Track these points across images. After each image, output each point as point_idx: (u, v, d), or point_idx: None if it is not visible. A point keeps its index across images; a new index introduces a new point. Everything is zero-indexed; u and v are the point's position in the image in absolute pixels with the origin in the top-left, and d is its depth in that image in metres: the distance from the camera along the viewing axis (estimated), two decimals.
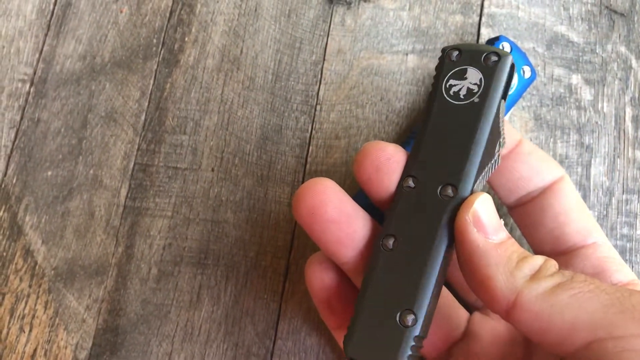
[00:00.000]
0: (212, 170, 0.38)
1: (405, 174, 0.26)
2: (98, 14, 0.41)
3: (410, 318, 0.24)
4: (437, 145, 0.26)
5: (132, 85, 0.39)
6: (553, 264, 0.23)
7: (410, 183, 0.26)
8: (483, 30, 0.39)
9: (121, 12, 0.41)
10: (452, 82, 0.27)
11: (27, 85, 0.40)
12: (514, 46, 0.36)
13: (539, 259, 0.24)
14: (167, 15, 0.40)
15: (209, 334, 0.36)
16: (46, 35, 0.40)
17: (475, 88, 0.27)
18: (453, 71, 0.27)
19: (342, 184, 0.37)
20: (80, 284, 0.37)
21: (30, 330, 0.36)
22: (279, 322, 0.36)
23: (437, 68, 0.28)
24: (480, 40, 0.39)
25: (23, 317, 0.37)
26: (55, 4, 0.41)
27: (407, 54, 0.39)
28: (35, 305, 0.37)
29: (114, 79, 0.40)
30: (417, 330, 0.24)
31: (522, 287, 0.23)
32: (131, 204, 0.38)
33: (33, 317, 0.37)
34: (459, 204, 0.25)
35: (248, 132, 0.38)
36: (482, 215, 0.24)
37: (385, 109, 0.38)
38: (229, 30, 0.40)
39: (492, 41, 0.36)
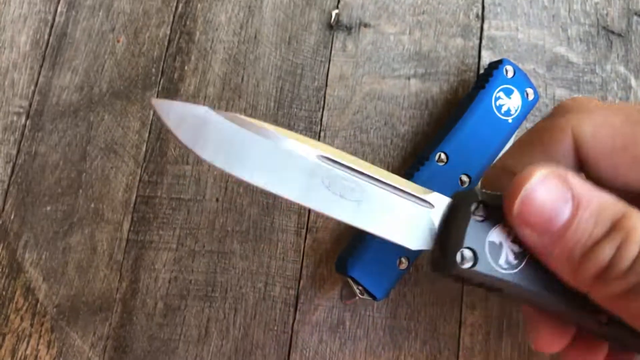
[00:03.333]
0: (217, 200, 0.37)
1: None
2: (94, 44, 0.40)
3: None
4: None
5: (132, 115, 0.39)
6: (628, 254, 0.20)
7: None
8: (484, 53, 0.39)
9: (118, 41, 0.40)
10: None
11: (23, 118, 0.39)
12: (516, 69, 0.36)
13: (608, 248, 0.21)
14: (166, 43, 0.40)
15: None
16: (41, 66, 0.40)
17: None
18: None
19: None
20: (84, 322, 0.36)
21: None
22: (291, 354, 0.35)
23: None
24: (481, 64, 0.39)
25: (25, 358, 0.35)
26: (50, 35, 0.40)
27: (409, 78, 0.39)
28: (37, 345, 0.36)
29: (113, 110, 0.39)
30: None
31: (589, 289, 0.21)
32: (134, 238, 0.37)
33: (36, 357, 0.35)
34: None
35: None
36: (529, 215, 0.22)
37: (389, 133, 0.38)
38: (229, 58, 0.39)
39: (496, 64, 0.36)
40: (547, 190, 0.21)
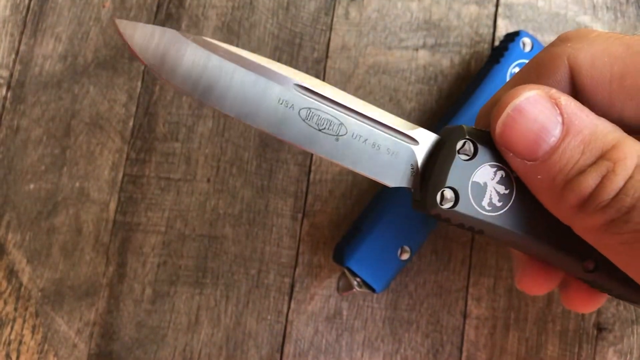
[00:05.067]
0: (208, 180, 0.35)
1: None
2: (78, 9, 0.37)
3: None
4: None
5: (118, 88, 0.36)
6: (611, 185, 0.19)
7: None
8: (500, 22, 0.36)
9: (104, 6, 0.37)
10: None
11: (4, 90, 0.36)
12: (535, 42, 0.33)
13: (591, 178, 0.19)
14: (155, 9, 0.37)
15: (209, 358, 0.34)
16: (22, 33, 0.37)
17: None
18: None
19: (348, 194, 0.34)
20: (70, 307, 0.34)
21: (18, 357, 0.34)
22: (284, 345, 0.34)
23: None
24: (497, 34, 0.36)
25: (9, 343, 0.34)
26: None
27: (417, 50, 0.36)
28: (22, 330, 0.34)
29: (99, 82, 0.36)
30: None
31: (571, 220, 0.20)
32: (121, 219, 0.35)
33: (20, 342, 0.34)
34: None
35: (246, 138, 0.35)
36: (511, 136, 0.21)
37: (394, 110, 0.35)
38: (223, 26, 0.36)
39: (512, 36, 0.33)
40: (535, 111, 0.20)
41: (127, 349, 0.34)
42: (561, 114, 0.20)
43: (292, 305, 0.34)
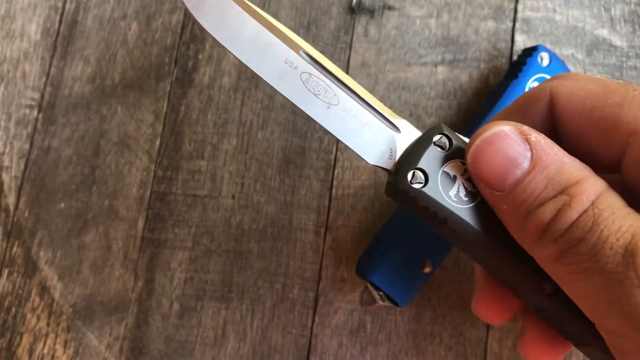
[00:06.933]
0: (233, 197, 0.36)
1: None
2: (106, 32, 0.38)
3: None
4: None
5: (145, 108, 0.37)
6: (565, 218, 0.20)
7: None
8: (518, 37, 0.36)
9: (130, 29, 0.38)
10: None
11: (35, 112, 0.38)
12: (552, 56, 0.33)
13: (548, 211, 0.20)
14: (179, 31, 0.38)
15: None
16: (52, 56, 0.38)
17: None
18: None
19: (370, 208, 0.35)
20: (100, 322, 0.35)
21: None
22: (309, 358, 0.34)
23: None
24: (515, 49, 0.36)
25: (42, 358, 0.35)
26: (60, 23, 0.39)
27: (436, 65, 0.36)
28: (54, 344, 0.35)
29: (126, 102, 0.37)
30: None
31: (531, 248, 0.22)
32: (149, 236, 0.36)
33: (53, 357, 0.35)
34: None
35: (269, 155, 0.36)
36: (481, 166, 0.22)
37: (415, 125, 0.36)
38: None
39: (530, 51, 0.34)
40: (504, 145, 0.21)
41: None
42: (531, 149, 0.21)
43: (317, 319, 0.34)
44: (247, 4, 0.24)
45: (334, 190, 0.35)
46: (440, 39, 0.37)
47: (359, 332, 0.34)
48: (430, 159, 0.23)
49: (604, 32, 0.36)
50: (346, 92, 0.25)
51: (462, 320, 0.34)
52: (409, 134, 0.25)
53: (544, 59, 0.33)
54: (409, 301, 0.32)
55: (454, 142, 0.24)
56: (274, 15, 0.37)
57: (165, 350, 0.35)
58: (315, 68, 0.24)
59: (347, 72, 0.37)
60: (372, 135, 0.25)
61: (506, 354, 0.34)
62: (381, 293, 0.32)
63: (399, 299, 0.32)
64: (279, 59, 0.24)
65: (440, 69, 0.36)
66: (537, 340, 0.27)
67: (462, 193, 0.23)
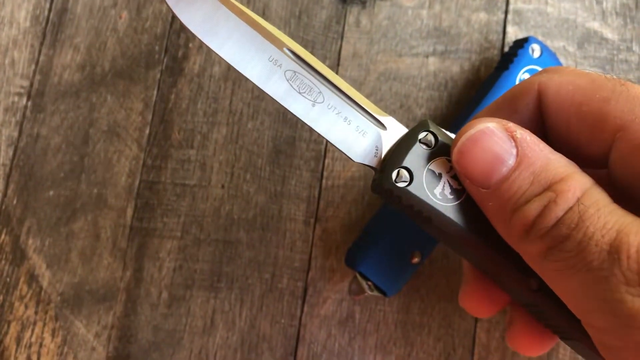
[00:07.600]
0: (222, 186, 0.36)
1: None
2: (96, 20, 0.38)
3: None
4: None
5: (135, 96, 0.37)
6: (551, 214, 0.20)
7: None
8: (509, 29, 0.36)
9: (120, 17, 0.38)
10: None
11: (24, 99, 0.37)
12: (544, 48, 0.33)
13: (534, 208, 0.20)
14: (170, 19, 0.38)
15: None
16: (42, 44, 0.38)
17: None
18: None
19: (359, 199, 0.34)
20: (88, 310, 0.35)
21: None
22: (298, 348, 0.34)
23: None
24: (506, 41, 0.36)
25: (30, 346, 0.35)
26: (50, 10, 0.38)
27: (427, 56, 0.36)
28: (42, 333, 0.35)
29: (116, 91, 0.37)
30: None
31: (517, 245, 0.22)
32: (138, 225, 0.36)
33: (40, 345, 0.35)
34: None
35: (259, 145, 0.36)
36: (466, 164, 0.22)
37: (405, 116, 0.36)
38: None
39: (521, 42, 0.34)
40: (489, 142, 0.21)
41: (144, 352, 0.34)
42: (516, 146, 0.21)
43: (305, 309, 0.34)
44: (228, 1, 0.24)
45: (324, 180, 0.35)
46: (432, 30, 0.37)
47: (347, 322, 0.34)
48: (415, 157, 0.23)
49: (595, 25, 0.36)
50: (331, 90, 0.24)
51: (451, 311, 0.34)
52: (395, 130, 0.25)
53: (535, 50, 0.33)
54: (397, 291, 0.32)
55: (440, 139, 0.23)
56: (266, 5, 0.37)
57: (153, 340, 0.35)
58: (300, 65, 0.24)
59: (338, 62, 0.36)
60: (357, 133, 0.24)
61: (494, 345, 0.34)
62: (370, 283, 0.32)
63: (387, 288, 0.32)
64: (262, 57, 0.24)
65: (431, 59, 0.36)
66: (525, 333, 0.27)
67: (448, 191, 0.23)
